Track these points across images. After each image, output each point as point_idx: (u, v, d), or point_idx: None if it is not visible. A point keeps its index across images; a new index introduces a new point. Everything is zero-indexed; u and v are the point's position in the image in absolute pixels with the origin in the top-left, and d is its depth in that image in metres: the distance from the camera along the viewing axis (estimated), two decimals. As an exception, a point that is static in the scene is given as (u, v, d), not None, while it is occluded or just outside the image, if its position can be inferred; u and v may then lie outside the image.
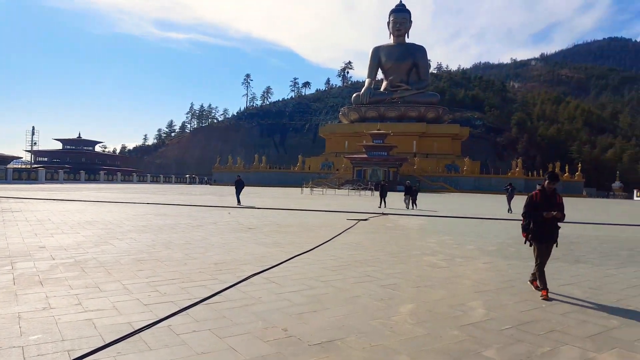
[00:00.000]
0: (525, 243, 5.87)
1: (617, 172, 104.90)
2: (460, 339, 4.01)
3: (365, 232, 12.32)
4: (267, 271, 6.70)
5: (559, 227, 5.84)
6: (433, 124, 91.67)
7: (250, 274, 6.40)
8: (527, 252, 9.34)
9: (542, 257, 5.69)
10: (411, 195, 23.75)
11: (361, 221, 15.53)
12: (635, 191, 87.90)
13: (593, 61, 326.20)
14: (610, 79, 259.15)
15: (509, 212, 22.45)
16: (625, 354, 3.75)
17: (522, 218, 5.89)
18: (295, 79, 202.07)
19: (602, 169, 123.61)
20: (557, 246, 5.85)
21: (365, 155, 71.94)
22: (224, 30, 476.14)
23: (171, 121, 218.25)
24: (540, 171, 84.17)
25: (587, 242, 11.31)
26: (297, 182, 69.21)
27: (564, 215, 5.69)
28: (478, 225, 15.61)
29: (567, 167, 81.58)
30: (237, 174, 28.64)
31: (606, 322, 4.63)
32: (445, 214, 20.04)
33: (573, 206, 32.57)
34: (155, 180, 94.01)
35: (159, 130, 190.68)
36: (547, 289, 5.63)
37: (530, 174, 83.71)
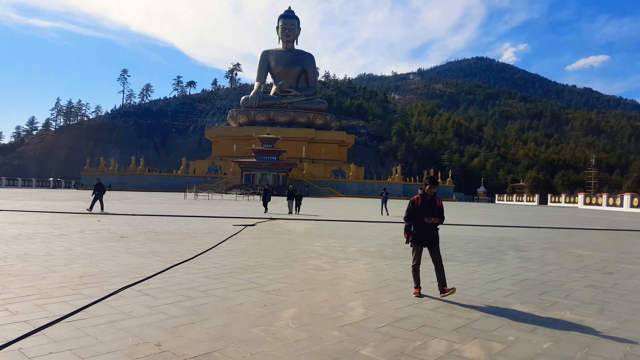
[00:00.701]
0: (406, 243, 6.16)
1: (482, 179, 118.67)
2: (340, 340, 4.14)
3: (251, 238, 12.20)
4: (140, 283, 6.25)
5: (439, 229, 6.18)
6: (321, 131, 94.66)
7: (120, 287, 5.92)
8: (404, 252, 10.06)
9: (417, 259, 5.98)
10: (295, 199, 23.94)
11: (248, 227, 15.36)
12: (496, 195, 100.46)
13: (463, 77, 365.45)
14: (477, 95, 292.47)
15: (382, 214, 24.44)
16: (484, 343, 4.19)
17: (404, 221, 6.13)
18: (178, 77, 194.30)
19: (469, 176, 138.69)
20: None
21: (254, 160, 71.59)
22: (97, 20, 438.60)
23: (33, 117, 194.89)
24: (417, 177, 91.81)
25: (455, 242, 12.53)
26: (180, 186, 66.27)
27: (444, 219, 6.07)
28: (361, 228, 16.43)
29: (439, 173, 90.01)
30: (97, 177, 26.15)
31: (469, 314, 5.15)
32: (331, 218, 20.74)
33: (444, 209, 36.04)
34: (12, 184, 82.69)
35: (18, 127, 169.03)
36: (420, 287, 6.00)
37: (408, 179, 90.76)
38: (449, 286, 5.92)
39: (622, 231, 19.20)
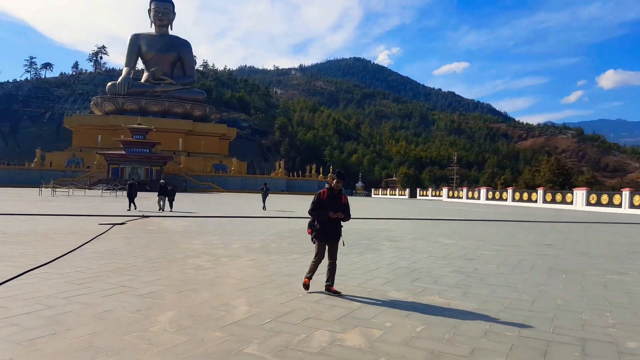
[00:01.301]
0: (312, 241, 6.00)
1: (360, 174, 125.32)
2: (222, 340, 4.03)
3: (121, 238, 11.31)
4: (-17, 293, 5.41)
5: (342, 227, 6.12)
6: (200, 123, 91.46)
7: (-44, 300, 5.05)
8: (289, 248, 10.19)
9: (320, 255, 5.92)
10: (167, 195, 22.22)
11: (117, 225, 14.22)
12: (372, 190, 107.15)
13: (342, 76, 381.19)
14: (355, 94, 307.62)
15: (263, 209, 24.60)
16: (364, 330, 4.42)
17: (309, 215, 6.00)
18: (31, 58, 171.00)
19: (348, 171, 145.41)
20: (344, 245, 6.11)
21: (123, 152, 66.49)
22: None
23: None
24: (300, 172, 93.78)
25: (336, 235, 13.05)
26: (35, 181, 58.84)
27: (350, 216, 6.04)
28: (244, 224, 16.26)
29: (321, 168, 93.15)
30: None
31: (350, 304, 5.39)
32: (212, 214, 20.17)
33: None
34: None
35: None
36: (310, 278, 5.96)
37: (291, 174, 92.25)
38: (336, 288, 5.91)
39: (479, 221, 21.78)
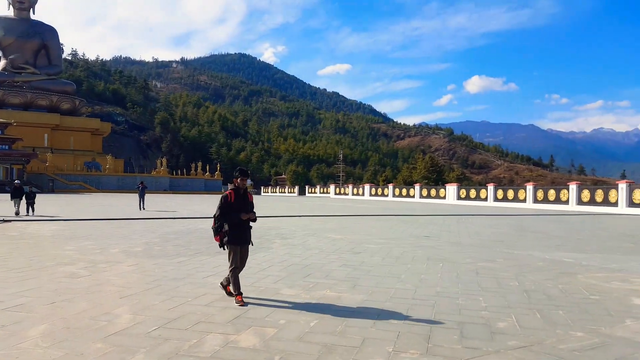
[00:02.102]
0: (220, 247, 5.58)
1: (248, 172, 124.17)
2: (105, 352, 3.72)
3: (-29, 247, 9.83)
4: None
5: (251, 227, 5.77)
6: (69, 117, 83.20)
7: None
8: (174, 250, 9.74)
9: (237, 262, 5.48)
10: (26, 198, 19.38)
11: (-35, 233, 12.35)
12: (262, 187, 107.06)
13: (228, 72, 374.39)
14: (241, 90, 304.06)
15: (140, 209, 23.43)
16: (259, 330, 4.39)
17: (215, 221, 5.53)
18: None
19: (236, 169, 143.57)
20: (252, 245, 5.73)
21: (-27, 149, 57.92)
22: None
23: None
24: (185, 170, 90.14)
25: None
26: None
27: (255, 215, 5.70)
28: (122, 226, 15.15)
29: (207, 166, 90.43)
30: None
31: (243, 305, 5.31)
32: (85, 217, 18.46)
33: (214, 203, 36.47)
34: None
35: None
36: (242, 294, 5.44)
37: (174, 172, 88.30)
38: (238, 293, 5.45)
39: (365, 216, 22.94)
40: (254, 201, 5.85)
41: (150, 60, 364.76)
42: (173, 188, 77.12)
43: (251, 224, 5.68)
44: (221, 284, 5.82)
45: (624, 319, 4.95)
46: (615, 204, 34.59)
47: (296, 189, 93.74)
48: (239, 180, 5.56)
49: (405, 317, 4.87)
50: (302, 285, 6.39)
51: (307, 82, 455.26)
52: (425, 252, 10.03)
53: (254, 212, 5.65)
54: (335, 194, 75.58)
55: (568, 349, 3.95)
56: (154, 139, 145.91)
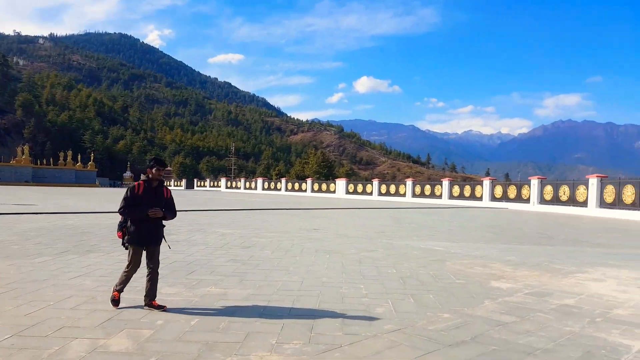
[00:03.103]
0: (123, 245, 4.95)
1: (128, 162, 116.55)
2: (-61, 371, 3.23)
3: None
4: None
5: (164, 226, 5.16)
6: None
7: None
8: (35, 249, 8.78)
9: (135, 264, 4.88)
10: None
11: None
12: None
13: (105, 52, 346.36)
14: (121, 73, 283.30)
15: None
16: (132, 332, 4.13)
17: (120, 214, 4.91)
18: None
19: (114, 159, 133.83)
20: (170, 248, 5.15)
21: None
22: None
23: None
24: (52, 159, 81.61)
25: (99, 232, 11.87)
26: None
27: (175, 213, 5.13)
28: (-29, 224, 13.28)
29: (79, 156, 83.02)
30: None
31: (115, 308, 4.96)
32: None
33: (86, 196, 33.60)
34: None
35: None
36: (120, 292, 4.98)
37: (39, 162, 79.57)
38: (118, 289, 5.01)
39: (256, 210, 22.84)
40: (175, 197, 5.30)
41: (12, 33, 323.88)
42: (37, 180, 69.62)
43: (164, 222, 5.10)
44: (146, 300, 4.96)
45: (483, 300, 5.57)
46: (481, 198, 38.86)
47: (183, 182, 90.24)
48: (153, 170, 4.91)
49: (291, 309, 4.95)
50: (185, 283, 6.16)
51: (196, 70, 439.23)
52: (313, 244, 10.29)
53: (173, 210, 5.09)
54: (227, 187, 74.23)
55: (436, 329, 4.34)
56: (13, 124, 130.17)
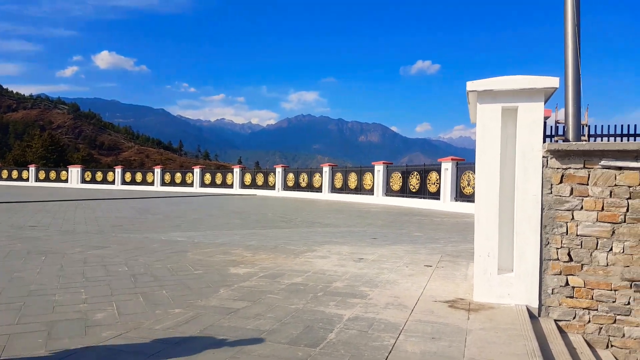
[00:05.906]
0: None
1: None
2: None
3: None
4: None
5: None
6: None
7: None
8: None
9: None
10: None
11: None
12: None
13: None
14: None
15: None
16: None
17: None
18: None
19: None
20: None
21: None
22: None
23: None
24: None
25: None
26: None
27: None
28: None
29: None
30: None
31: None
32: None
33: None
34: None
35: None
36: None
37: None
38: None
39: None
40: None
41: None
42: None
43: None
44: None
45: (219, 288, 5.57)
46: (232, 186, 40.38)
47: None
48: None
49: (-24, 331, 3.95)
50: None
51: None
52: (26, 244, 8.72)
53: None
54: None
55: (163, 327, 4.08)
56: None
